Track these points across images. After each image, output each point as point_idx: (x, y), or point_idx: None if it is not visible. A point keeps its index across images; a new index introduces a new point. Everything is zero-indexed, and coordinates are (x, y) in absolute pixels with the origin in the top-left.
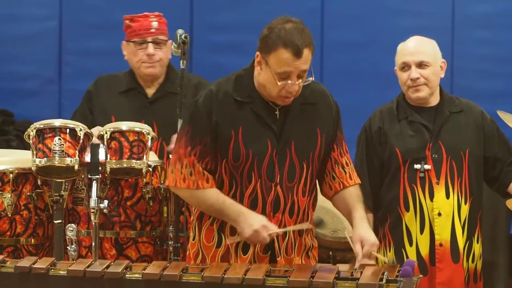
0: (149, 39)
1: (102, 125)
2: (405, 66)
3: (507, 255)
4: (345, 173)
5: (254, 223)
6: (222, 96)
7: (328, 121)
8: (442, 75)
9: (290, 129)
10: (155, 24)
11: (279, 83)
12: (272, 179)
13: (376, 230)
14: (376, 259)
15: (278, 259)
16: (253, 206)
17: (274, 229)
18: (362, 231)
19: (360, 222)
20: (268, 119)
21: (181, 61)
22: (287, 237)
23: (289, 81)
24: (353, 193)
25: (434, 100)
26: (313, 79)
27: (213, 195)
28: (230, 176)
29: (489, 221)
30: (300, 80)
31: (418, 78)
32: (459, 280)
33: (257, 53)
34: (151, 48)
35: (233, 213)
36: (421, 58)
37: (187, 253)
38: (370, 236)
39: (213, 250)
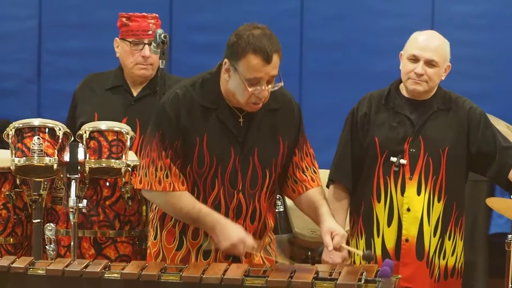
0: (146, 40)
1: (85, 121)
2: (415, 59)
3: (486, 255)
4: (306, 177)
5: (232, 236)
6: (189, 101)
7: (290, 126)
8: (443, 77)
9: (254, 136)
10: (152, 26)
11: (249, 89)
12: (235, 186)
13: (351, 217)
14: (349, 252)
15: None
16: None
17: (251, 243)
18: (331, 224)
19: (328, 216)
20: (232, 126)
21: (160, 61)
22: None
23: (259, 87)
24: (317, 192)
25: (427, 95)
26: (282, 84)
27: (189, 203)
28: (193, 182)
29: (469, 221)
30: (270, 86)
31: (422, 75)
32: (422, 277)
33: (225, 60)
34: (147, 50)
35: (210, 222)
36: (432, 56)
37: (148, 252)
38: (339, 229)
39: (173, 252)
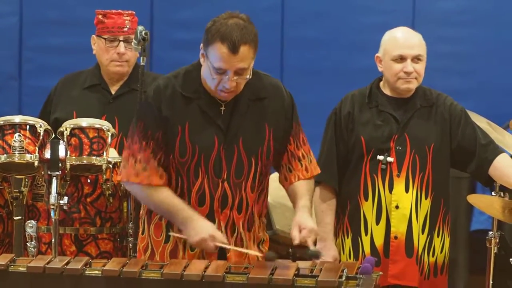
0: (121, 37)
1: (65, 120)
2: (401, 58)
3: (467, 252)
4: (301, 166)
5: (202, 231)
6: (170, 91)
7: (278, 115)
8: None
9: (238, 124)
10: (128, 23)
11: (213, 77)
12: (219, 175)
13: (336, 216)
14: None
15: (228, 255)
16: (200, 202)
17: (221, 240)
18: (301, 218)
19: (301, 209)
20: (214, 115)
21: (141, 58)
22: (236, 232)
23: (225, 77)
24: (304, 186)
25: (411, 93)
26: (250, 77)
27: (162, 195)
28: (176, 172)
29: (450, 218)
30: (238, 77)
31: (412, 73)
32: (412, 274)
33: (201, 45)
34: (122, 47)
35: (182, 218)
36: (418, 52)
37: (137, 247)
38: (308, 222)
39: (161, 245)
